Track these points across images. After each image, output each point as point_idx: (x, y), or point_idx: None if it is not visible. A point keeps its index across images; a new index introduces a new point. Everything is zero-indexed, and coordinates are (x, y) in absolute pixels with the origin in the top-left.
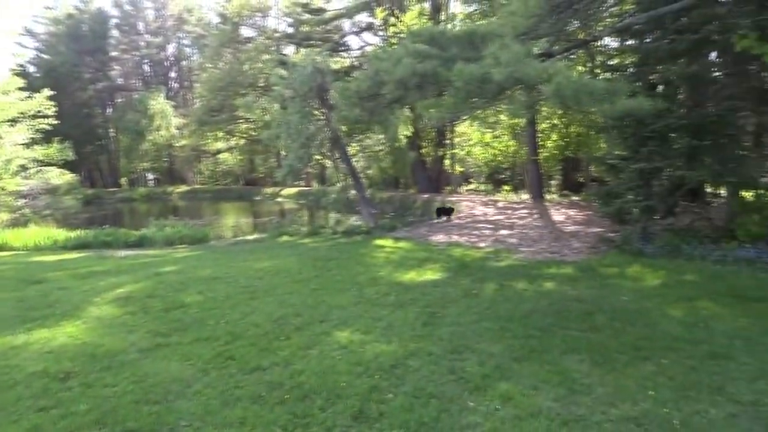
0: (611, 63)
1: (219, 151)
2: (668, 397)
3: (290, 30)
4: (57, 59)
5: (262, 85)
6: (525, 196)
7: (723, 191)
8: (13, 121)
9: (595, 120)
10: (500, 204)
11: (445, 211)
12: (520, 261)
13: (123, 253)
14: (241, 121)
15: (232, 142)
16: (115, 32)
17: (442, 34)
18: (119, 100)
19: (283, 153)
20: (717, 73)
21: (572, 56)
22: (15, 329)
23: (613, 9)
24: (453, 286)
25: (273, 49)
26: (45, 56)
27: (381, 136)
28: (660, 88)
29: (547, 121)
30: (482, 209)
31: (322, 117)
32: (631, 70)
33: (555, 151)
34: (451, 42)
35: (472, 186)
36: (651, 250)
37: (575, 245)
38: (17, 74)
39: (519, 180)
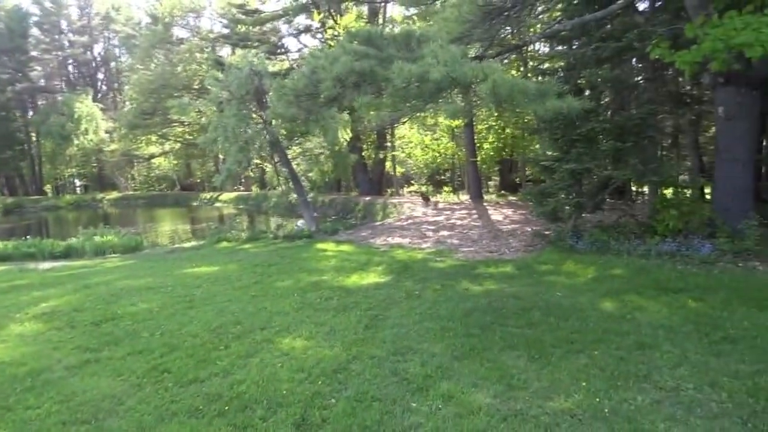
0: (542, 67)
1: (152, 156)
2: (600, 387)
3: (226, 31)
4: None
5: (197, 87)
6: (464, 197)
7: (646, 189)
8: None
9: (528, 122)
10: (441, 205)
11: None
12: (461, 261)
13: (48, 264)
14: (175, 124)
15: (167, 146)
16: (35, 31)
17: (379, 35)
18: (41, 103)
19: (221, 157)
20: (638, 78)
21: (505, 60)
22: None
23: (542, 16)
24: (395, 288)
25: (208, 50)
26: None
27: (321, 139)
28: (587, 92)
29: (484, 123)
30: (423, 210)
31: (260, 120)
32: (561, 74)
33: (492, 153)
34: (388, 43)
35: (413, 188)
36: (582, 246)
37: (513, 244)
38: None
39: (459, 181)
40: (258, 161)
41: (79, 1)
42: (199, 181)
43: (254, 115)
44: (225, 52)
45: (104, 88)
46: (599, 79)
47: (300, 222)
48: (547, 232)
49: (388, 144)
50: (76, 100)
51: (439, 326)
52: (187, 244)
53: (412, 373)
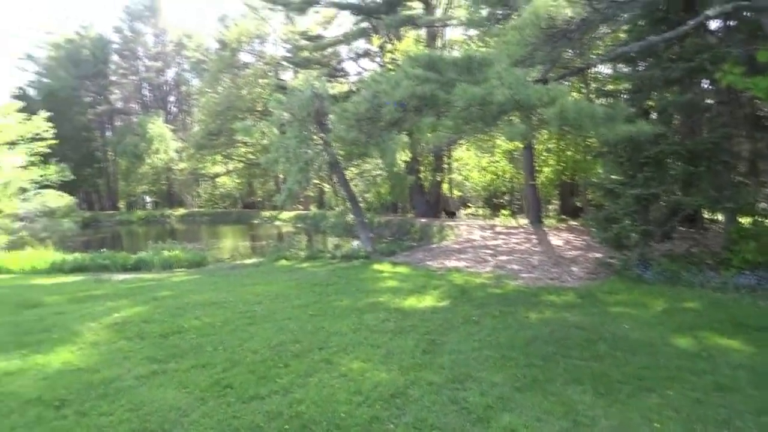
0: (605, 89)
1: (217, 175)
2: (674, 430)
3: (288, 56)
4: (57, 83)
5: (260, 109)
6: (523, 220)
7: (720, 217)
8: (12, 144)
9: (591, 145)
10: (498, 228)
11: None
12: (521, 287)
13: (120, 276)
14: (239, 144)
15: (231, 166)
16: (115, 57)
17: (440, 59)
18: (118, 124)
19: (281, 177)
20: (710, 101)
21: (566, 83)
22: (10, 354)
23: (606, 38)
24: (453, 312)
25: (271, 74)
26: (45, 80)
27: (379, 161)
28: (654, 115)
29: (544, 146)
30: (480, 233)
31: (320, 141)
32: (626, 96)
33: (552, 176)
34: (449, 67)
35: (470, 210)
36: (650, 277)
37: (575, 271)
38: (17, 97)
39: (517, 205)
40: (317, 181)
41: (155, 29)
42: (260, 199)
43: (314, 137)
44: (287, 76)
45: (175, 110)
46: (668, 103)
47: (356, 242)
48: (611, 260)
49: (446, 166)
50: (149, 122)
51: (499, 354)
52: (248, 261)
53: (471, 402)
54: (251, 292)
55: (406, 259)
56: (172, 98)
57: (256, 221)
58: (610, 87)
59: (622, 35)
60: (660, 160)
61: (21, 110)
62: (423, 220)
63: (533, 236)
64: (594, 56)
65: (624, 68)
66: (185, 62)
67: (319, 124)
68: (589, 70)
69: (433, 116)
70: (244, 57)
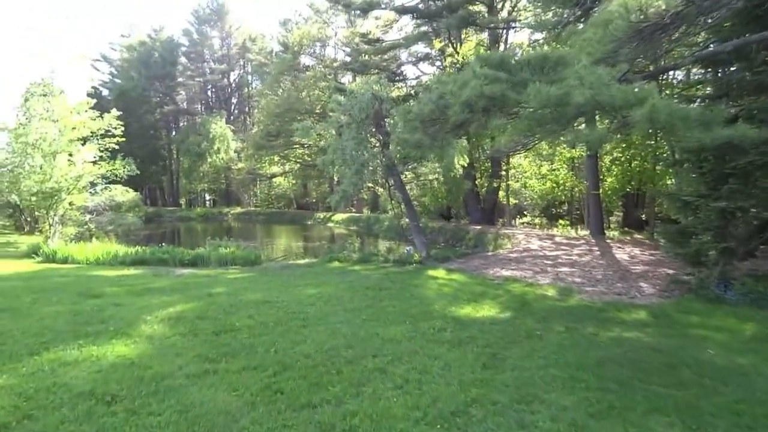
0: (683, 94)
1: (274, 175)
2: None
3: (348, 59)
4: (128, 84)
5: (318, 111)
6: (583, 231)
7: None
8: (84, 140)
9: (661, 155)
10: (558, 239)
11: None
12: (586, 302)
13: (178, 271)
14: (296, 146)
15: (287, 167)
16: (183, 59)
17: (511, 57)
18: (182, 124)
19: (336, 179)
20: None
21: (645, 85)
22: (67, 344)
23: (685, 39)
24: (514, 325)
25: (330, 77)
26: (118, 80)
27: (436, 165)
28: (740, 122)
29: (610, 155)
30: (539, 243)
31: (377, 144)
32: (707, 101)
33: (617, 186)
34: (521, 66)
35: (526, 219)
36: (732, 297)
37: (644, 287)
38: (90, 96)
39: (576, 215)
40: (371, 184)
41: (221, 33)
42: (314, 200)
43: (372, 139)
44: (346, 79)
45: (236, 111)
46: (758, 109)
47: (409, 247)
48: (686, 277)
49: (503, 173)
50: (211, 122)
51: (568, 375)
52: (301, 261)
53: (541, 427)
54: (304, 293)
55: (461, 266)
56: (234, 100)
57: (309, 222)
58: (687, 91)
59: (699, 38)
60: (749, 172)
61: (93, 108)
62: (478, 227)
63: (595, 248)
64: (684, 56)
65: (706, 72)
66: (248, 65)
67: (378, 127)
68: (664, 75)
69: (502, 118)
70: (305, 60)
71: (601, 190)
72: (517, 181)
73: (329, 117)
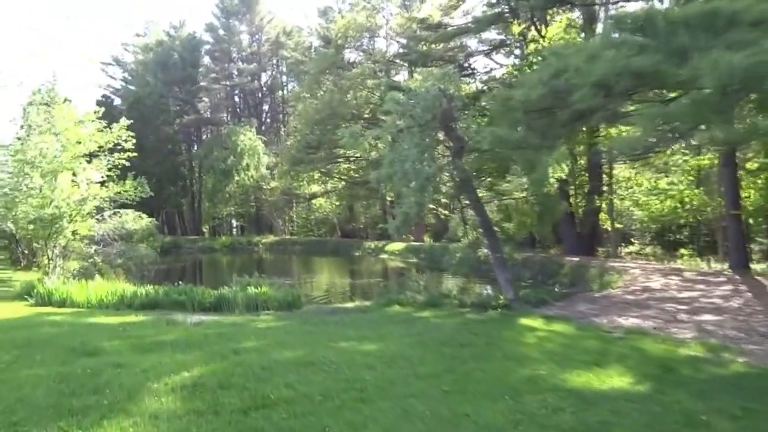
0: None
1: (314, 196)
2: None
3: (404, 51)
4: (144, 90)
5: (367, 116)
6: (717, 264)
7: None
8: (90, 156)
9: None
10: (687, 274)
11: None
12: (754, 367)
13: (196, 318)
14: (340, 160)
15: (330, 185)
16: (206, 60)
17: (664, 15)
18: (205, 136)
19: (389, 199)
20: None
21: None
22: (44, 427)
23: None
24: (661, 403)
25: (381, 74)
26: (132, 87)
27: (523, 179)
28: None
29: (750, 162)
30: (662, 280)
31: (446, 153)
32: None
33: (763, 203)
34: (677, 28)
35: (632, 248)
36: None
37: None
38: (100, 104)
39: (706, 241)
40: (432, 205)
41: (251, 27)
42: (362, 226)
43: (439, 147)
44: (401, 77)
45: (268, 120)
46: None
47: (487, 287)
48: None
49: (605, 188)
50: (239, 133)
51: None
52: (351, 305)
53: None
54: (359, 351)
55: (562, 312)
56: (265, 107)
57: (357, 253)
58: None
59: None
60: None
61: (103, 118)
62: (574, 258)
63: (742, 287)
64: None
65: None
66: (282, 64)
67: (447, 131)
68: None
69: (652, 102)
70: (350, 55)
71: (742, 210)
72: (622, 199)
73: (383, 122)
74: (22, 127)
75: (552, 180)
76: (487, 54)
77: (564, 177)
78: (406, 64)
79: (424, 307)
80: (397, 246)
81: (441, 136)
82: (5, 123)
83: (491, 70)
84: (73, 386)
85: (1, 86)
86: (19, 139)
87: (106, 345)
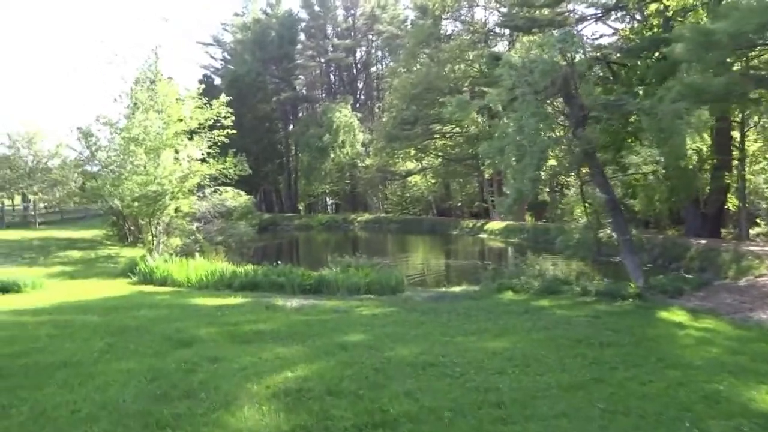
0: None
1: (409, 173)
2: None
3: (507, 19)
4: (242, 68)
5: (467, 88)
6: None
7: None
8: (191, 133)
9: None
10: None
11: None
12: None
13: (296, 301)
14: (436, 136)
15: (426, 162)
16: (301, 37)
17: None
18: (301, 114)
19: (488, 176)
20: None
21: None
22: None
23: None
24: None
25: (481, 45)
26: (230, 67)
27: (654, 151)
28: None
29: None
30: None
31: (567, 123)
32: None
33: None
34: None
35: (759, 229)
36: None
37: None
38: (201, 84)
39: None
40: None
41: (346, 2)
42: (459, 204)
43: (560, 115)
44: (499, 48)
45: (362, 97)
46: None
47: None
48: None
49: (734, 160)
50: (335, 110)
51: None
52: (457, 289)
53: None
54: (481, 349)
55: (706, 305)
56: (359, 84)
57: (454, 232)
58: None
59: None
60: None
61: (203, 95)
62: (701, 240)
63: None
64: None
65: None
66: (377, 40)
67: (567, 98)
68: None
69: None
70: (448, 27)
71: None
72: (756, 175)
73: (483, 95)
74: (127, 106)
75: (690, 150)
76: (599, 18)
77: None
78: (506, 34)
79: (540, 295)
80: (496, 225)
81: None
82: (110, 101)
83: (600, 36)
84: (165, 387)
85: (107, 63)
86: (127, 116)
87: (202, 333)
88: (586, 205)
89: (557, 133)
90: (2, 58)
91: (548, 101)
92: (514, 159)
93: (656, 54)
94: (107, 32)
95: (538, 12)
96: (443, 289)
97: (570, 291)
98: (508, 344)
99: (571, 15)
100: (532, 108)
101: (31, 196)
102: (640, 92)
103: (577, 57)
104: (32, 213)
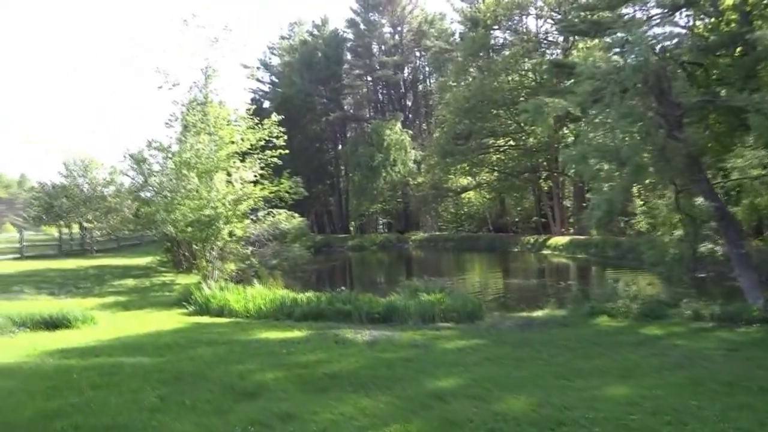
0: None
1: (464, 189)
2: None
3: (567, 23)
4: (290, 90)
5: (523, 98)
6: None
7: None
8: (243, 155)
9: None
10: None
11: None
12: None
13: (366, 333)
14: (491, 150)
15: (481, 178)
16: (348, 56)
17: None
18: (350, 134)
19: (547, 189)
20: None
21: None
22: None
23: None
24: None
25: (535, 54)
26: (278, 89)
27: (763, 152)
28: None
29: None
30: None
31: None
32: None
33: None
34: None
35: None
36: None
37: None
38: (250, 108)
39: None
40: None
41: (392, 19)
42: (516, 220)
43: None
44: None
45: (410, 115)
46: None
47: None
48: None
49: None
50: (385, 128)
51: None
52: (540, 313)
53: None
54: (611, 398)
55: None
56: (408, 102)
57: (515, 249)
58: None
59: None
60: None
61: (254, 115)
62: None
63: None
64: None
65: None
66: (424, 56)
67: (660, 97)
68: None
69: None
70: (499, 38)
71: None
72: None
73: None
74: (179, 130)
75: None
76: (667, 17)
77: None
78: (560, 42)
79: (643, 320)
80: (560, 240)
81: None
82: (161, 125)
83: (670, 35)
84: None
85: (158, 87)
86: (178, 140)
87: (269, 378)
88: (681, 215)
89: (651, 137)
90: (59, 91)
91: (641, 100)
92: (598, 166)
93: (737, 50)
94: (158, 58)
95: (597, 15)
96: (524, 314)
97: (677, 315)
98: (643, 390)
99: (638, 15)
100: (624, 109)
101: (86, 224)
102: (722, 92)
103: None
104: (89, 241)
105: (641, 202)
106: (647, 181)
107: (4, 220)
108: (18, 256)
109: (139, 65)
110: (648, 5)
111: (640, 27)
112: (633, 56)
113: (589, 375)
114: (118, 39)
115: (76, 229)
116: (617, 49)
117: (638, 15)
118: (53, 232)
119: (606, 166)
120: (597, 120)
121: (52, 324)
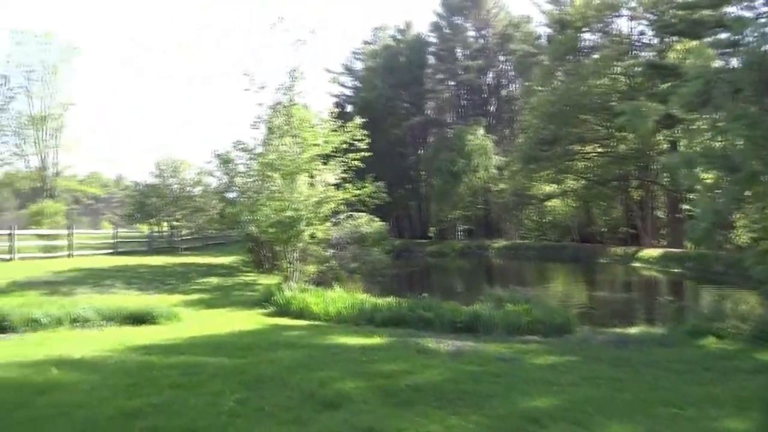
0: None
1: (548, 196)
2: None
3: (665, 23)
4: (372, 94)
5: (614, 102)
6: None
7: None
8: (326, 158)
9: None
10: None
11: None
12: None
13: (450, 343)
14: (577, 157)
15: (567, 185)
16: (431, 60)
17: None
18: (431, 139)
19: (638, 198)
20: None
21: None
22: None
23: None
24: None
25: (627, 56)
26: (362, 94)
27: None
28: None
29: None
30: None
31: None
32: None
33: None
34: None
35: None
36: None
37: None
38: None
39: None
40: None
41: (476, 22)
42: (603, 230)
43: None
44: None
45: (493, 120)
46: None
47: None
48: None
49: None
50: (467, 132)
51: None
52: (634, 330)
53: None
54: None
55: None
56: (491, 107)
57: (602, 260)
58: None
59: None
60: None
61: (338, 117)
62: None
63: None
64: None
65: None
66: (508, 61)
67: None
68: None
69: None
70: (588, 41)
71: None
72: None
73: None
74: (266, 132)
75: None
76: None
77: None
78: (655, 44)
79: (755, 343)
80: (651, 252)
81: None
82: (247, 127)
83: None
84: None
85: (244, 90)
86: (262, 143)
87: (350, 388)
88: None
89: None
90: (152, 93)
91: (760, 99)
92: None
93: None
94: (245, 63)
95: (697, 15)
96: (617, 330)
97: None
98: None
99: (746, 14)
100: (737, 110)
101: (175, 223)
102: None
103: None
104: (177, 239)
105: (741, 215)
106: (758, 190)
107: (102, 218)
108: (112, 251)
109: (227, 69)
110: (755, 2)
111: (748, 27)
112: (745, 55)
113: (702, 404)
114: (206, 42)
115: (165, 227)
116: (727, 49)
117: (745, 14)
118: (144, 229)
119: (711, 174)
120: (702, 124)
121: (138, 319)
